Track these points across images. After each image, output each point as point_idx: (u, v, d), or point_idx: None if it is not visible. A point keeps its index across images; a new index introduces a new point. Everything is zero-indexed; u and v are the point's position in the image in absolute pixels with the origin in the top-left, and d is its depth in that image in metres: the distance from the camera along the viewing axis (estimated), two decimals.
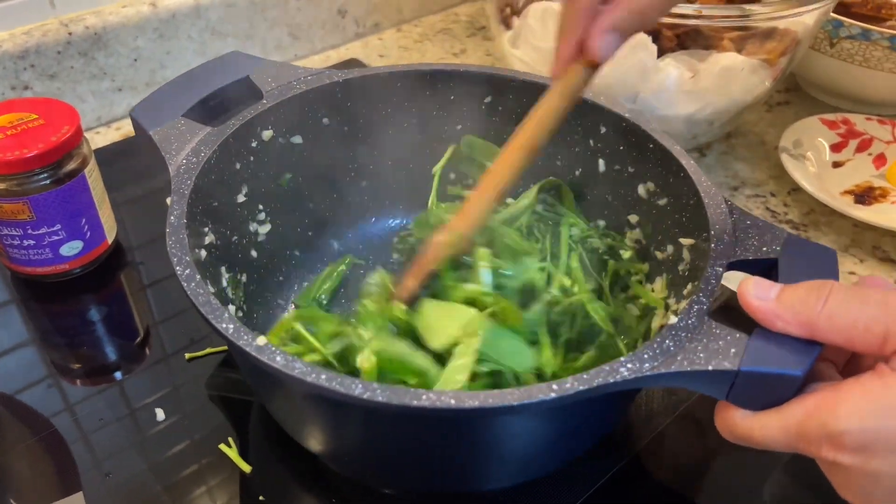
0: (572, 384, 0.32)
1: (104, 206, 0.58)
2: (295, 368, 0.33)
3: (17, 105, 0.54)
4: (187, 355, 0.52)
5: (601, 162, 0.51)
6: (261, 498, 0.44)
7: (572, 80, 0.41)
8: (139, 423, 0.48)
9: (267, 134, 0.50)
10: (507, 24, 0.74)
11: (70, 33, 0.70)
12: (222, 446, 0.46)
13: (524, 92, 0.52)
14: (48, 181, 0.52)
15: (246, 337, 0.35)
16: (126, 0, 0.73)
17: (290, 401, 0.41)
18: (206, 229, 0.44)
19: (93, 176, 0.55)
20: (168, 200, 0.42)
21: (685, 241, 0.45)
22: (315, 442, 0.42)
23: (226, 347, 0.52)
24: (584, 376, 0.33)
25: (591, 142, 0.51)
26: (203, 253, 0.43)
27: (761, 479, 0.46)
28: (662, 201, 0.47)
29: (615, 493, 0.45)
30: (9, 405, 0.50)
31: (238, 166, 0.49)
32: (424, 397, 0.32)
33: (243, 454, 0.46)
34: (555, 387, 0.32)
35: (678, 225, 0.46)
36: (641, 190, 0.49)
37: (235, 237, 0.49)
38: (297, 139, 0.52)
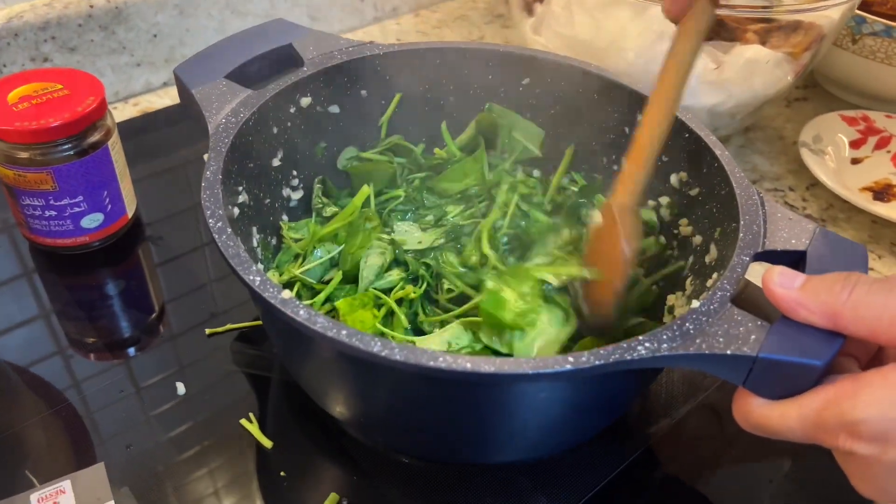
0: (588, 358, 0.33)
1: (125, 180, 0.57)
2: (317, 322, 0.33)
3: (41, 75, 0.54)
4: (207, 331, 0.52)
5: None
6: (282, 473, 0.44)
7: (700, 17, 0.40)
8: (160, 397, 0.48)
9: (305, 101, 0.51)
10: (529, 11, 0.74)
11: (91, 6, 0.70)
12: (243, 421, 0.46)
13: (562, 75, 0.52)
14: (72, 152, 0.52)
15: (272, 289, 0.35)
16: None
17: (311, 357, 0.41)
18: (241, 188, 0.45)
19: (115, 149, 0.55)
20: (205, 157, 0.43)
21: (714, 231, 0.45)
22: (334, 403, 0.43)
23: (247, 323, 0.52)
24: (602, 351, 0.33)
25: (627, 129, 0.51)
26: (236, 211, 0.44)
27: (776, 473, 0.46)
28: (694, 191, 0.47)
29: (632, 481, 0.45)
30: (25, 377, 0.50)
31: (275, 130, 0.49)
32: (441, 359, 0.32)
33: (263, 429, 0.46)
34: (571, 359, 0.32)
35: (708, 215, 0.46)
36: (674, 179, 0.49)
37: (268, 200, 0.50)
38: (335, 108, 0.53)
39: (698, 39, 0.40)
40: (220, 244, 0.38)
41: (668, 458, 0.47)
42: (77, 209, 0.54)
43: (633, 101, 0.50)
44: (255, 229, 0.47)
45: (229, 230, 0.38)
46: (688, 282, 0.46)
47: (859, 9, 0.73)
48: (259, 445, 0.45)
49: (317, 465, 0.45)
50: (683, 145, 0.47)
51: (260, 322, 0.52)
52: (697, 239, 0.47)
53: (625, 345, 0.33)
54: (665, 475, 0.46)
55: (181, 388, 0.48)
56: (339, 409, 0.43)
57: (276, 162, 0.50)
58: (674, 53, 0.41)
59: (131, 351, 0.52)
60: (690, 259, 0.47)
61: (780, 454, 0.47)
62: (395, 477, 0.45)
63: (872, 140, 0.73)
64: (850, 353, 0.36)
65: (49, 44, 0.69)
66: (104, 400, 0.48)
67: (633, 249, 0.42)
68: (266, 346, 0.51)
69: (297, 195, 0.52)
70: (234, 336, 0.52)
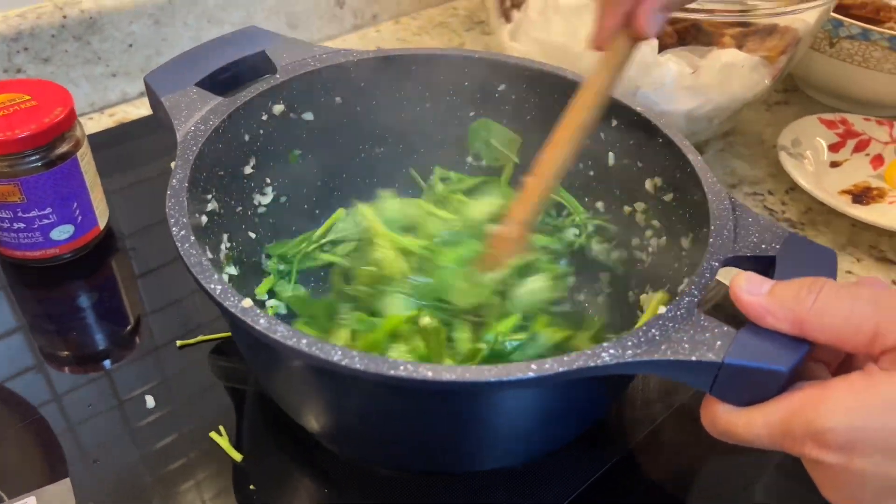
0: (552, 365, 0.32)
1: (96, 191, 0.57)
2: (277, 332, 0.33)
3: (9, 86, 0.54)
4: (179, 343, 0.51)
5: (611, 155, 0.51)
6: (251, 487, 0.43)
7: (619, 53, 0.41)
8: (129, 411, 0.47)
9: (278, 108, 0.50)
10: (507, 17, 0.73)
11: (65, 17, 0.69)
12: (213, 434, 0.45)
13: (537, 81, 0.52)
14: (40, 163, 0.51)
15: (232, 298, 0.35)
16: None
17: (278, 368, 0.40)
18: (210, 196, 0.45)
19: (85, 160, 0.55)
20: (172, 164, 0.42)
21: (686, 237, 0.44)
22: (305, 415, 0.42)
23: (218, 335, 0.52)
24: (565, 358, 0.33)
25: (602, 135, 0.51)
26: (204, 219, 0.43)
27: (754, 478, 0.46)
28: (668, 196, 0.47)
29: (609, 488, 0.44)
30: None
31: (247, 138, 0.49)
32: (402, 368, 0.32)
33: (237, 443, 0.45)
34: (533, 366, 0.32)
35: (681, 221, 0.45)
36: (648, 184, 0.49)
37: (240, 208, 0.49)
38: (309, 116, 0.52)
39: (616, 71, 0.42)
40: (182, 252, 0.37)
41: (647, 464, 0.46)
42: (46, 221, 0.54)
43: (608, 107, 0.50)
44: (225, 237, 0.46)
45: (193, 238, 0.38)
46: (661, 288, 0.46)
47: (837, 13, 0.74)
48: (231, 459, 0.44)
49: (289, 477, 0.44)
50: (657, 150, 0.47)
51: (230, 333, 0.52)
52: (666, 242, 0.47)
53: (589, 351, 0.33)
54: (644, 481, 0.46)
55: (150, 401, 0.48)
56: (309, 420, 0.43)
57: (248, 170, 0.50)
58: (590, 82, 0.43)
59: (104, 364, 0.51)
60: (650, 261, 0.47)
61: (758, 459, 0.47)
62: (369, 489, 0.44)
63: (851, 143, 0.73)
64: (819, 359, 0.36)
65: (22, 55, 0.69)
66: (74, 414, 0.47)
67: (510, 263, 0.47)
68: (239, 359, 0.51)
69: (267, 201, 0.52)
70: (208, 349, 0.51)
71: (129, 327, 0.54)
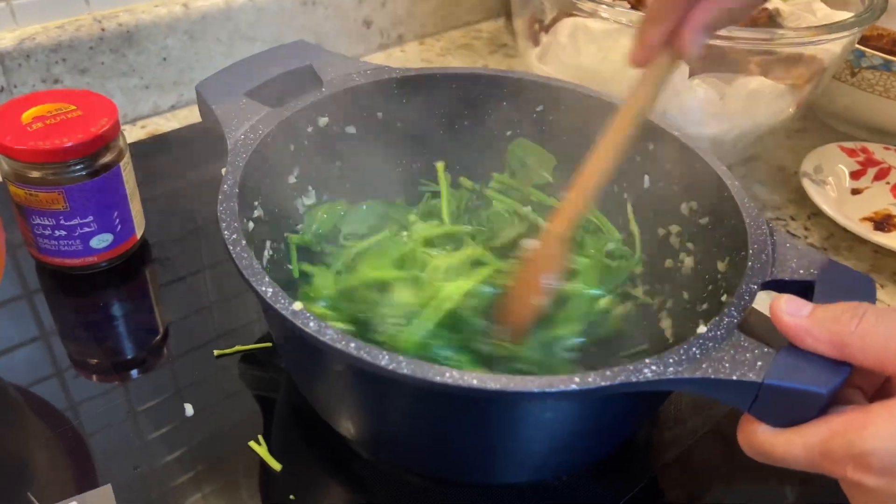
0: (594, 378, 0.33)
1: (135, 201, 0.58)
2: (326, 335, 0.34)
3: (55, 96, 0.55)
4: (216, 352, 0.52)
5: (646, 178, 0.52)
6: (291, 497, 0.43)
7: (660, 71, 0.41)
8: (167, 418, 0.48)
9: (323, 121, 0.52)
10: (535, 41, 0.75)
11: (103, 29, 0.70)
12: (252, 444, 0.46)
13: (576, 103, 0.53)
14: (84, 172, 0.52)
15: (283, 301, 0.35)
16: (159, 0, 0.74)
17: (322, 371, 0.41)
18: (256, 203, 0.46)
19: (127, 170, 0.55)
20: (223, 171, 0.43)
21: (722, 261, 0.45)
22: (344, 419, 0.43)
23: (254, 345, 0.52)
24: (608, 373, 0.33)
25: (639, 158, 0.52)
26: (251, 225, 0.44)
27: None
28: (704, 220, 0.48)
29: None
30: (28, 398, 0.49)
31: (292, 148, 0.50)
32: (448, 375, 0.32)
33: (271, 451, 0.46)
34: (577, 379, 0.33)
35: (717, 244, 0.46)
36: (684, 208, 0.49)
37: (283, 214, 0.50)
38: (352, 129, 0.54)
39: (657, 87, 0.42)
40: (234, 255, 0.38)
41: (675, 487, 0.47)
42: (87, 229, 0.54)
43: (645, 130, 0.51)
44: (268, 243, 0.48)
45: (244, 242, 0.39)
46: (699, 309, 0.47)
47: (857, 43, 0.75)
48: (268, 468, 0.45)
49: (326, 487, 0.45)
50: (694, 175, 0.48)
51: (268, 344, 0.52)
52: (700, 265, 0.47)
53: (631, 367, 0.34)
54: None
55: (189, 409, 0.48)
56: (347, 424, 0.43)
57: (291, 179, 0.51)
58: (634, 97, 0.43)
59: (136, 372, 0.51)
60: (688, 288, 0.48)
61: (789, 483, 0.47)
62: (405, 499, 0.44)
63: (872, 171, 0.74)
64: (855, 385, 0.36)
65: (60, 65, 0.70)
66: (110, 420, 0.48)
67: (554, 277, 0.47)
68: (272, 368, 0.51)
69: (308, 201, 0.53)
70: (239, 357, 0.52)
71: (164, 335, 0.54)
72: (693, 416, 0.50)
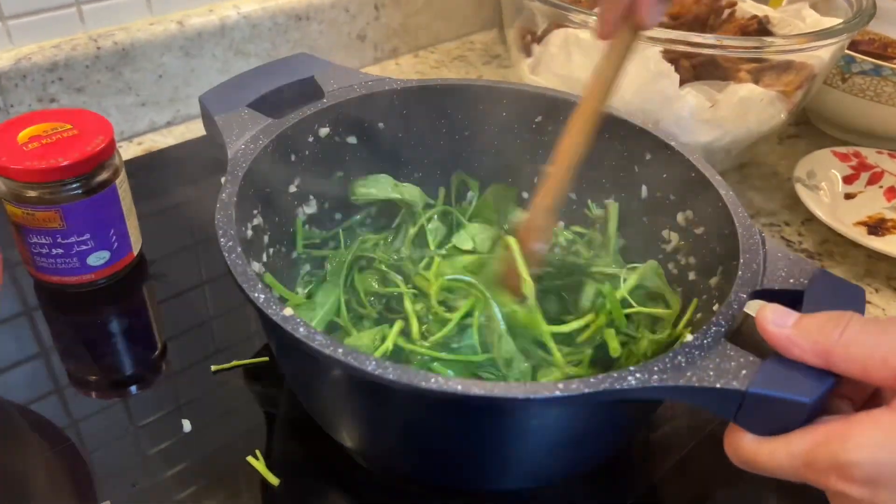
0: (578, 386, 0.33)
1: (132, 218, 0.58)
2: (315, 340, 0.34)
3: (51, 115, 0.55)
4: (213, 367, 0.52)
5: (644, 188, 0.52)
6: None
7: (623, 43, 0.43)
8: (165, 434, 0.48)
9: (324, 131, 0.52)
10: (527, 52, 0.75)
11: (99, 48, 0.71)
12: (250, 459, 0.46)
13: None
14: (80, 191, 0.53)
15: (274, 307, 0.36)
16: (154, 17, 0.75)
17: (314, 376, 0.42)
18: (255, 212, 0.47)
19: (123, 187, 0.56)
20: (222, 180, 0.44)
21: (715, 269, 0.45)
22: (340, 427, 0.44)
23: (251, 360, 0.52)
24: (591, 380, 0.33)
25: (636, 167, 0.52)
26: (249, 233, 0.45)
27: None
28: (699, 230, 0.48)
29: None
30: (27, 415, 0.49)
31: (293, 158, 0.51)
32: (433, 380, 0.33)
33: (269, 466, 0.46)
34: (560, 385, 0.33)
35: (711, 254, 0.46)
36: (680, 217, 0.50)
37: (283, 224, 0.51)
38: (353, 139, 0.54)
39: (622, 59, 0.44)
40: (229, 262, 0.39)
41: (673, 496, 0.47)
42: (84, 247, 0.55)
43: (644, 140, 0.52)
44: (264, 254, 0.48)
45: (239, 249, 0.39)
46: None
47: (847, 48, 0.75)
48: (267, 483, 0.45)
49: (326, 499, 0.45)
50: (689, 184, 0.48)
51: (264, 358, 0.52)
52: (695, 274, 0.48)
53: (615, 374, 0.34)
54: None
55: (187, 425, 0.48)
56: (343, 433, 0.44)
57: (292, 188, 0.52)
58: (602, 70, 0.44)
59: (135, 388, 0.52)
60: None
61: (784, 492, 0.47)
62: None
63: (865, 175, 0.74)
64: (844, 395, 0.36)
65: (56, 84, 0.70)
66: (109, 437, 0.48)
67: (544, 246, 0.49)
68: (270, 382, 0.52)
69: (309, 210, 0.54)
70: (240, 373, 0.52)
71: (161, 351, 0.55)
72: (691, 422, 0.50)
